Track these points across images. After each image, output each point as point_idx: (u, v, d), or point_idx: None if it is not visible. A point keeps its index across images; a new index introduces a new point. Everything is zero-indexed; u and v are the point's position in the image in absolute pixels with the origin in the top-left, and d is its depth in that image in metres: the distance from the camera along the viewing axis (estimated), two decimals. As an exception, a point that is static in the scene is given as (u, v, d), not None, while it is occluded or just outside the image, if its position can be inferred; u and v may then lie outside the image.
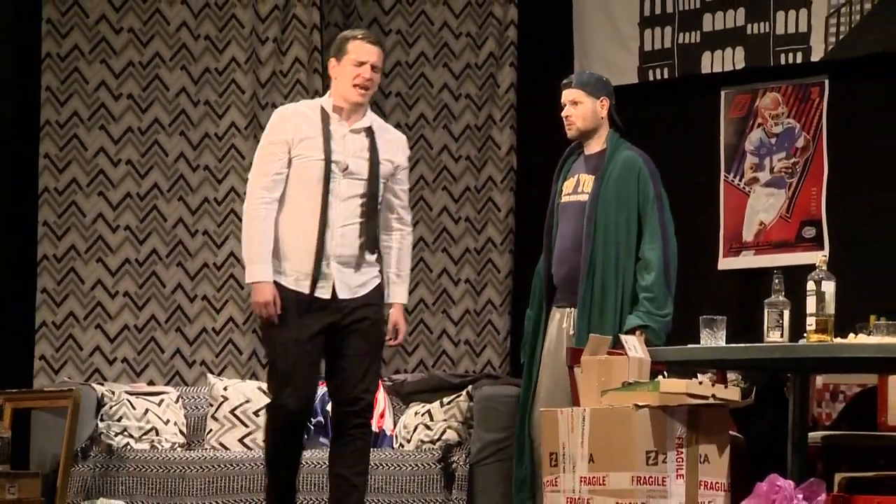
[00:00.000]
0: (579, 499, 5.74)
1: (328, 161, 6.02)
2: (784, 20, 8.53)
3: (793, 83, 8.56)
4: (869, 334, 5.73)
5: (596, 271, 6.64)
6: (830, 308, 5.79)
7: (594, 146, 6.84)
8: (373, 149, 6.12)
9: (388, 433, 7.66)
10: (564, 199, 6.83)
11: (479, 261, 9.33)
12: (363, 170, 6.11)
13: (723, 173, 8.69)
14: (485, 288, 9.31)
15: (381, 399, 7.71)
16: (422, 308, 9.25)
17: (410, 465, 7.32)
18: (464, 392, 7.63)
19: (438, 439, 7.50)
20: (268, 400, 6.22)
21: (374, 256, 6.15)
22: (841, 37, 8.35)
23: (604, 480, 5.63)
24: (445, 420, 7.58)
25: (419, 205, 9.25)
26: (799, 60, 8.45)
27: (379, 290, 6.18)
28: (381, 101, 9.28)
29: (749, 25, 8.60)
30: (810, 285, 5.80)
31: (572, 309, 6.69)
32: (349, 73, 6.15)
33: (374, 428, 7.62)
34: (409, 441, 7.58)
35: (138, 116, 8.97)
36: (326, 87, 9.11)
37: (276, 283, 6.00)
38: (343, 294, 6.05)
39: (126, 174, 8.94)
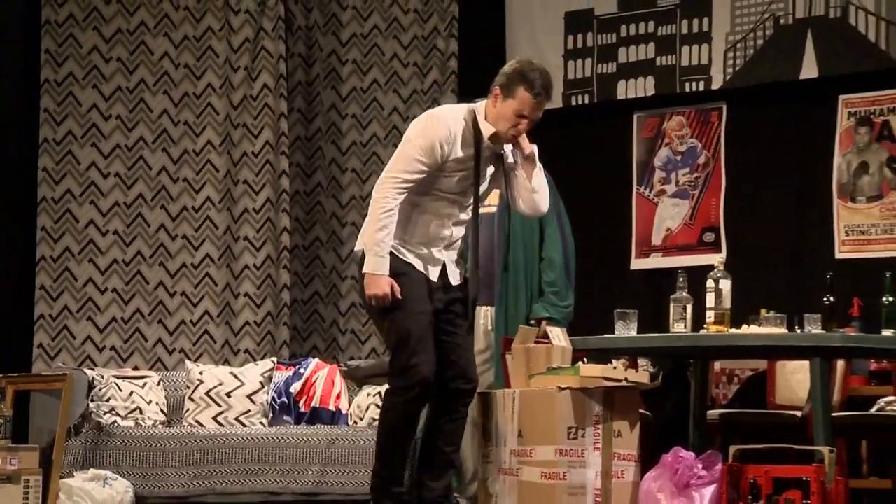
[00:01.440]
0: (510, 469, 5.74)
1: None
2: (689, 54, 8.56)
3: (695, 108, 8.59)
4: (759, 325, 5.75)
5: (509, 272, 6.61)
6: (727, 303, 5.81)
7: None
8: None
9: (344, 412, 7.62)
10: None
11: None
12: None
13: (635, 186, 8.71)
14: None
15: (338, 382, 7.68)
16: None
17: (363, 440, 7.28)
18: (410, 376, 7.60)
19: (388, 417, 7.47)
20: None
21: None
22: (737, 68, 8.39)
23: (531, 453, 5.63)
24: (394, 400, 7.55)
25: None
26: (701, 88, 8.49)
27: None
28: (337, 121, 9.27)
29: (658, 58, 8.63)
30: (710, 283, 5.83)
31: (490, 307, 6.66)
32: (507, 118, 5.48)
33: (332, 407, 7.60)
34: (362, 419, 7.54)
35: (125, 135, 8.92)
36: (291, 109, 9.17)
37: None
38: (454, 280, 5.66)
39: (114, 185, 8.89)
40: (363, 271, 5.50)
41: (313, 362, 7.78)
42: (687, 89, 8.51)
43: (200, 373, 7.70)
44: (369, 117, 9.30)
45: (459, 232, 5.61)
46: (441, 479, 5.61)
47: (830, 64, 8.08)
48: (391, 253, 5.48)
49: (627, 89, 8.61)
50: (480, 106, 5.56)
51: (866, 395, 7.27)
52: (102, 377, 7.58)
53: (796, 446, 5.80)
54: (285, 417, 7.60)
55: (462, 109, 5.57)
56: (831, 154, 8.12)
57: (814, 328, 5.69)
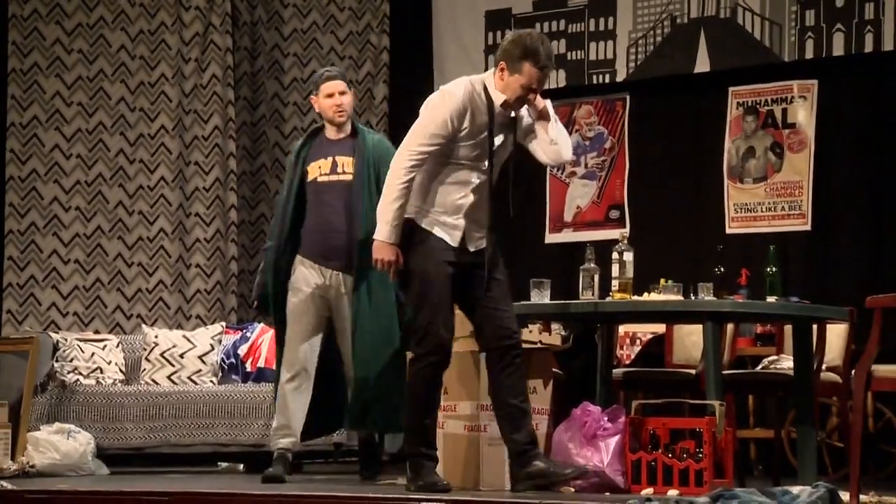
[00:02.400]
0: (438, 422, 5.76)
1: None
2: (596, 49, 8.59)
3: (602, 98, 8.63)
4: (659, 293, 5.79)
5: (369, 238, 5.86)
6: (630, 273, 5.83)
7: (344, 131, 6.19)
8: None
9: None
10: (322, 178, 6.13)
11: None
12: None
13: (549, 169, 8.74)
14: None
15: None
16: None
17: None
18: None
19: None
20: None
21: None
22: (638, 63, 8.44)
23: (455, 408, 5.64)
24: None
25: (311, 192, 9.22)
26: (607, 80, 8.53)
27: None
28: (280, 108, 9.24)
29: (569, 53, 8.66)
30: (615, 255, 5.84)
31: (349, 275, 6.06)
32: (515, 90, 5.23)
33: (262, 365, 7.56)
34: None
35: (86, 120, 8.84)
36: (238, 97, 9.13)
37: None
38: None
39: (76, 165, 8.82)
40: (373, 237, 5.29)
41: (259, 327, 7.76)
42: (594, 81, 8.55)
43: (156, 336, 7.67)
44: (308, 105, 9.25)
45: (479, 198, 5.29)
46: (520, 430, 5.25)
47: (721, 59, 8.14)
48: (412, 221, 5.25)
49: (541, 81, 8.63)
50: (489, 76, 5.30)
51: (752, 354, 7.35)
52: (66, 340, 7.54)
53: (691, 401, 5.87)
54: (233, 376, 7.58)
55: (475, 81, 5.29)
56: (722, 140, 8.19)
57: (706, 295, 5.73)
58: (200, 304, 8.80)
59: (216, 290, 8.83)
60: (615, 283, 5.79)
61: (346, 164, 6.14)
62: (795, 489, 4.66)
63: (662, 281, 5.84)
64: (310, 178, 6.20)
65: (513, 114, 5.32)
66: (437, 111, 5.23)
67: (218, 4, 8.97)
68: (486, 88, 5.26)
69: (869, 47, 7.74)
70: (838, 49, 7.83)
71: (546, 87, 8.78)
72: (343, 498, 5.11)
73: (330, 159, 6.17)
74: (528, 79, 5.18)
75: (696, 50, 8.15)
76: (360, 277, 6.03)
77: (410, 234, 5.27)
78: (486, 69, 8.82)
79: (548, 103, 5.36)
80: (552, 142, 5.36)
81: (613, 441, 5.37)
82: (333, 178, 6.16)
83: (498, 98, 5.25)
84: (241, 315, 8.90)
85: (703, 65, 8.16)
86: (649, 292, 5.81)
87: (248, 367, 7.58)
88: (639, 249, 6.00)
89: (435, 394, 5.33)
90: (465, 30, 8.98)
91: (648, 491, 5.18)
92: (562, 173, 8.69)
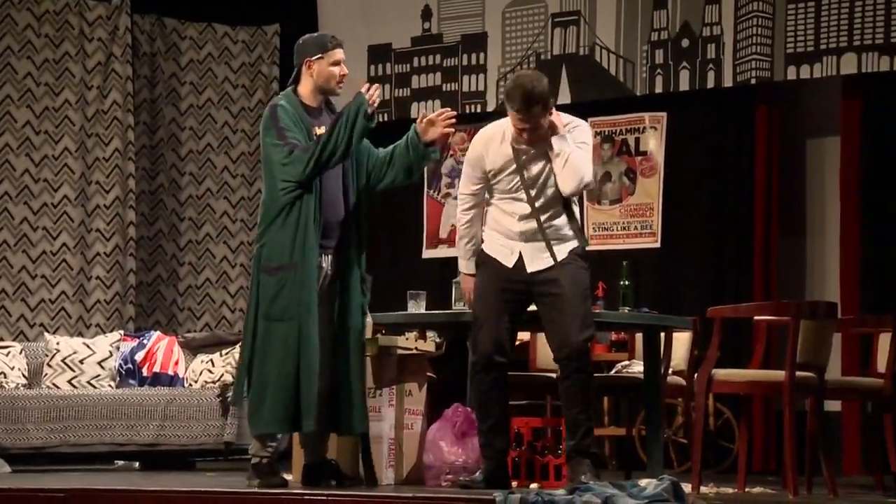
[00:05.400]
0: (319, 422, 5.70)
1: None
2: (468, 81, 8.64)
3: (474, 126, 8.56)
4: (525, 304, 5.77)
5: (361, 218, 5.38)
6: (464, 289, 5.78)
7: (322, 102, 5.43)
8: None
9: (181, 376, 7.50)
10: None
11: (251, 251, 9.19)
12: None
13: (426, 189, 8.75)
14: (254, 270, 9.19)
15: (176, 351, 7.56)
16: (207, 285, 9.11)
17: (197, 399, 7.19)
18: (237, 345, 7.50)
19: (218, 380, 7.38)
20: None
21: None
22: (509, 101, 8.46)
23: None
24: (224, 366, 7.45)
25: (206, 210, 9.13)
26: (478, 110, 8.57)
27: None
28: (177, 132, 9.13)
29: (444, 84, 8.69)
30: (484, 269, 5.83)
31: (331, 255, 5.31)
32: (515, 128, 5.15)
33: (171, 372, 7.46)
34: (196, 382, 7.44)
35: (-7, 142, 8.66)
36: (138, 122, 8.98)
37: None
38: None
39: (-17, 185, 8.63)
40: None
41: (155, 334, 7.66)
42: (467, 111, 8.58)
43: (57, 343, 7.51)
44: (204, 129, 9.18)
45: (531, 224, 5.18)
46: (571, 438, 5.09)
47: (581, 92, 8.23)
48: (481, 247, 5.29)
49: (419, 110, 8.63)
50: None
51: (607, 360, 7.41)
52: (-29, 347, 7.33)
53: (552, 402, 5.90)
54: (130, 381, 7.46)
55: (503, 122, 5.27)
56: (582, 165, 8.26)
57: (566, 306, 5.74)
58: (100, 314, 8.65)
59: (115, 300, 8.68)
60: (484, 295, 5.76)
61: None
62: (643, 482, 4.70)
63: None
64: None
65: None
66: (466, 158, 5.37)
67: (119, 36, 8.84)
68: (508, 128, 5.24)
69: (711, 83, 7.88)
70: (684, 84, 7.96)
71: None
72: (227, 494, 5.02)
73: (315, 129, 5.31)
74: (513, 120, 5.17)
75: (559, 84, 8.22)
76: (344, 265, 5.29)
77: (477, 257, 5.34)
78: (368, 99, 8.91)
79: (557, 140, 5.17)
80: (562, 175, 5.17)
81: (481, 439, 5.35)
82: None
83: (511, 136, 5.21)
84: (140, 324, 8.77)
85: (564, 97, 8.23)
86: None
87: (145, 372, 7.47)
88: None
89: (486, 399, 5.21)
90: (351, 62, 8.83)
91: (515, 485, 5.18)
92: (438, 194, 8.69)
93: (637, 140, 8.17)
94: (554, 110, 5.24)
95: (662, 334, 6.17)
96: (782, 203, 7.88)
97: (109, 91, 8.80)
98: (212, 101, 9.17)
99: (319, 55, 5.36)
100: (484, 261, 5.30)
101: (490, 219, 5.32)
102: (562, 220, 5.22)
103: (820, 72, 7.54)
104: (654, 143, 8.11)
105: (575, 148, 5.18)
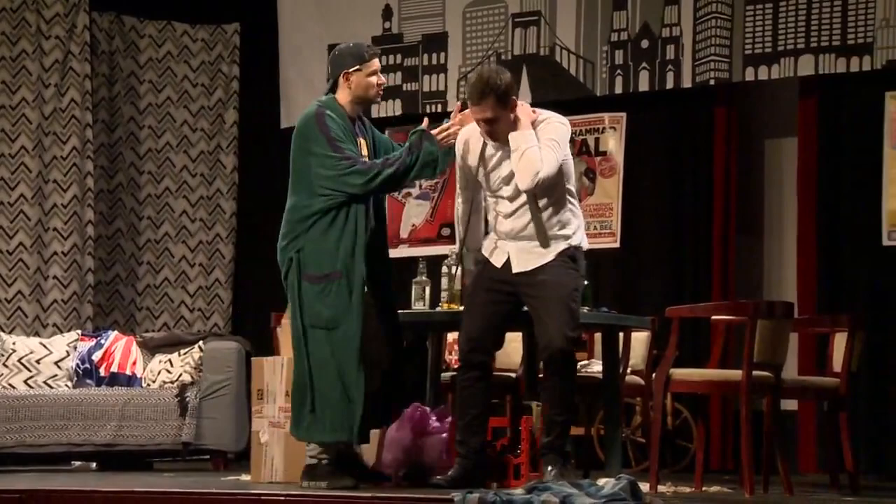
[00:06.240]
0: (278, 422, 5.70)
1: None
2: (429, 81, 8.63)
3: (435, 126, 8.62)
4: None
5: (384, 215, 5.52)
6: (457, 286, 5.85)
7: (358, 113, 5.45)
8: None
9: (139, 376, 7.45)
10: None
11: (210, 250, 9.16)
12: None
13: (385, 189, 8.72)
14: (213, 270, 9.15)
15: (134, 350, 7.50)
16: (166, 284, 9.06)
17: (155, 399, 7.14)
18: (196, 345, 7.46)
19: (177, 380, 7.33)
20: None
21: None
22: (467, 94, 8.46)
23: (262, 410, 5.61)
24: (182, 366, 7.41)
25: (165, 209, 9.08)
26: (439, 110, 8.55)
27: None
28: (135, 131, 9.07)
29: (404, 84, 8.67)
30: (444, 269, 5.85)
31: None
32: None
33: (128, 372, 7.41)
34: (154, 382, 7.38)
35: (-51, 140, 8.57)
36: (96, 120, 8.91)
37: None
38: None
39: (-60, 184, 8.54)
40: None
41: (113, 334, 7.61)
42: (428, 110, 8.56)
43: (14, 343, 7.44)
44: (163, 128, 9.12)
45: (520, 223, 5.14)
46: (547, 435, 5.08)
47: (541, 92, 8.24)
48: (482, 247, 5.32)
49: (380, 110, 8.61)
50: None
51: (567, 359, 7.42)
52: (-73, 348, 7.25)
53: (511, 401, 5.91)
54: (87, 381, 7.40)
55: None
56: (542, 165, 8.27)
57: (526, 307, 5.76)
58: (57, 313, 8.58)
59: (73, 300, 8.61)
60: (444, 295, 5.79)
61: (363, 145, 5.43)
62: (601, 481, 4.71)
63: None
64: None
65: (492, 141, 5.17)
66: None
67: (77, 34, 8.76)
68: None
69: (670, 84, 7.92)
70: (644, 85, 7.99)
71: (383, 115, 8.80)
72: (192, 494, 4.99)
73: (359, 140, 5.38)
74: (471, 112, 5.14)
75: (520, 84, 8.22)
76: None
77: (474, 258, 5.36)
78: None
79: (516, 135, 5.08)
80: (517, 169, 5.09)
81: (440, 438, 5.38)
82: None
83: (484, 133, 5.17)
84: (98, 323, 8.70)
85: (525, 97, 8.23)
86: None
87: (102, 372, 7.41)
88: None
89: (466, 397, 5.19)
90: (309, 61, 8.91)
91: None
92: (399, 194, 8.68)
93: (597, 140, 8.19)
94: (526, 106, 5.19)
95: (621, 334, 6.19)
96: (740, 203, 7.92)
97: (67, 89, 8.73)
98: (171, 99, 9.11)
99: (357, 66, 5.33)
100: (481, 260, 5.32)
101: (489, 218, 5.33)
102: (553, 220, 5.13)
103: (778, 73, 7.59)
104: (614, 144, 8.13)
105: (536, 143, 5.07)
